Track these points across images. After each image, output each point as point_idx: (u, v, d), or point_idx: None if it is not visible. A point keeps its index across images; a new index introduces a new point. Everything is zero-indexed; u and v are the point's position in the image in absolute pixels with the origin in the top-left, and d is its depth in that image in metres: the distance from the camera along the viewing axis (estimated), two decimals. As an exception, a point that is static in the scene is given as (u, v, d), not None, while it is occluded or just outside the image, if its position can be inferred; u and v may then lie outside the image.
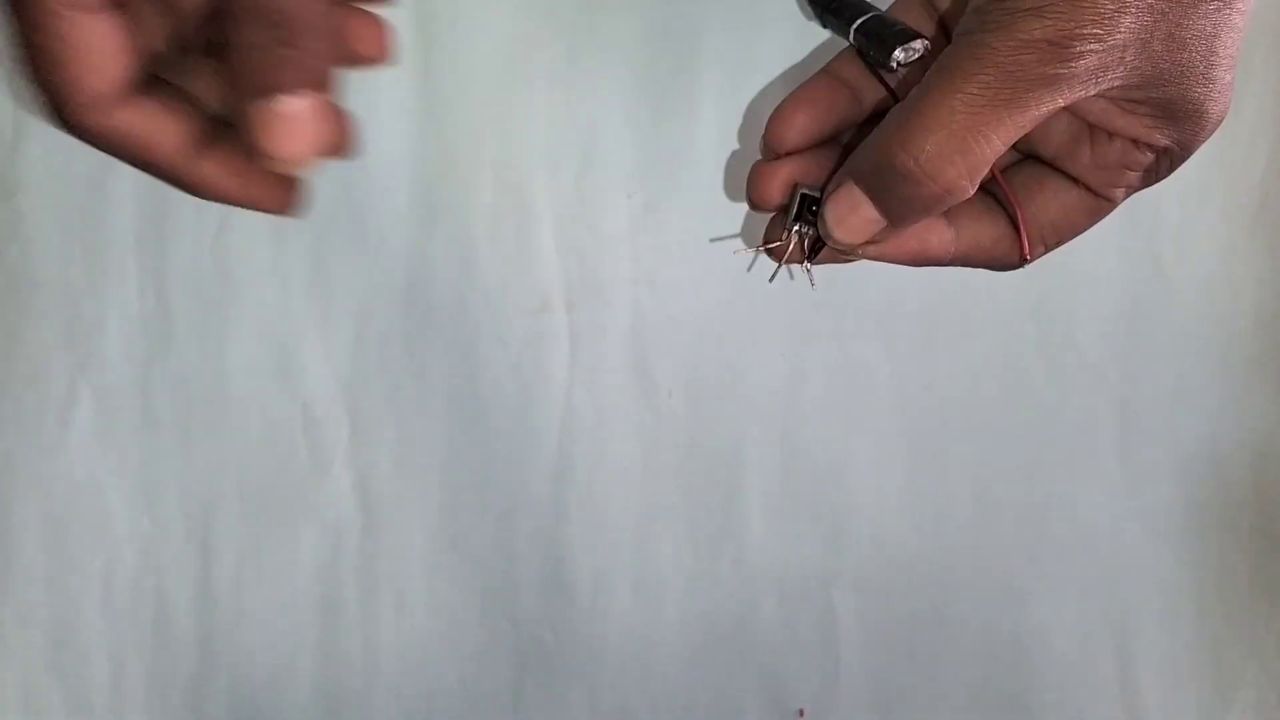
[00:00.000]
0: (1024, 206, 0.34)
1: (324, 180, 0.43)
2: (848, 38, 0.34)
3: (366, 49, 0.33)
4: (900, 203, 0.31)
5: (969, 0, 0.31)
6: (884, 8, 0.35)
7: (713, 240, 0.44)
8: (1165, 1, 0.28)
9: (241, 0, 0.26)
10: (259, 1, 0.26)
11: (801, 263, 0.35)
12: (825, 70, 0.36)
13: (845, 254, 0.34)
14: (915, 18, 0.35)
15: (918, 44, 0.32)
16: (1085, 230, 0.35)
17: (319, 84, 0.28)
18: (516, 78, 0.43)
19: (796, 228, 0.34)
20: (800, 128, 0.35)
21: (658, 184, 0.44)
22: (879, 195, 0.32)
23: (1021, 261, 0.35)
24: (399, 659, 0.45)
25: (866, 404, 0.45)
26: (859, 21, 0.33)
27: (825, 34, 0.42)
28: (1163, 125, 0.32)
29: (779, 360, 0.45)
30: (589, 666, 0.45)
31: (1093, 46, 0.28)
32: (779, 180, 0.35)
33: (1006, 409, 0.45)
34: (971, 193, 0.31)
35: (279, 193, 0.32)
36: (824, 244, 0.34)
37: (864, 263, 0.42)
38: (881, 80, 0.34)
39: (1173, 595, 0.46)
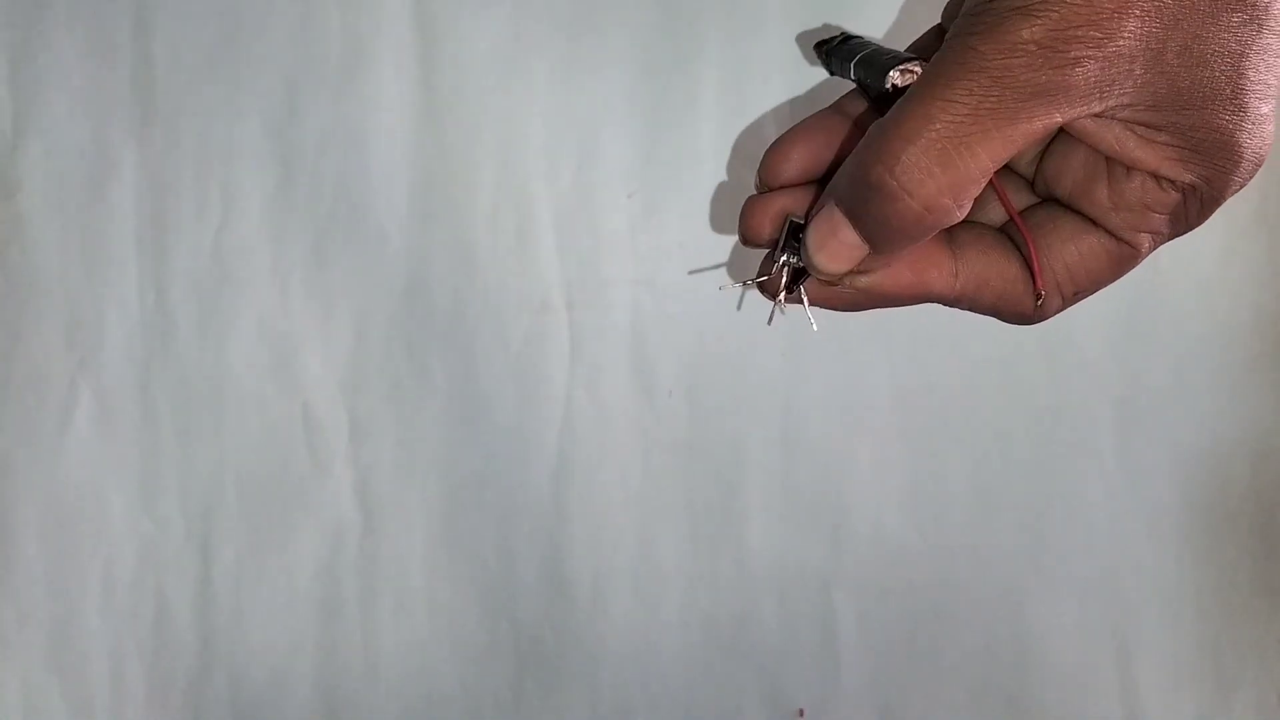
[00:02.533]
0: (1038, 248, 0.31)
1: (324, 181, 0.43)
2: (849, 76, 0.33)
3: None
4: (879, 224, 0.29)
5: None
6: (904, 46, 0.34)
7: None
8: (1178, 7, 0.25)
9: None
10: None
11: (800, 302, 0.32)
12: (831, 107, 0.34)
13: (833, 284, 0.31)
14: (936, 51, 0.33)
15: (915, 66, 0.30)
16: (1110, 282, 0.32)
17: None
18: (516, 78, 0.43)
19: (784, 259, 0.32)
20: (796, 161, 0.33)
21: (658, 184, 0.44)
22: (857, 216, 0.29)
23: (1035, 307, 0.32)
24: (399, 659, 0.45)
25: (866, 404, 0.45)
26: (858, 55, 0.32)
27: (824, 32, 0.42)
28: (1188, 158, 0.28)
29: (779, 360, 0.45)
30: (589, 667, 0.45)
31: (1090, 53, 0.26)
32: (771, 212, 0.33)
33: (1006, 409, 0.45)
34: (958, 215, 0.28)
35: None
36: (807, 275, 0.32)
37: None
38: (880, 111, 0.31)
39: (1172, 595, 0.46)
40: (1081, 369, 0.45)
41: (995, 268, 0.32)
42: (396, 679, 0.45)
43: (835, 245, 0.30)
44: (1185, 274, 0.45)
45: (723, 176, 0.43)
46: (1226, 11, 0.26)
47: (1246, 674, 0.46)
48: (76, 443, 0.44)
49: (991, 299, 0.32)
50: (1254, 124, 0.27)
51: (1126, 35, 0.26)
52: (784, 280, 0.32)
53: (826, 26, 0.43)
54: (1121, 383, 0.45)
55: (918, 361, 0.45)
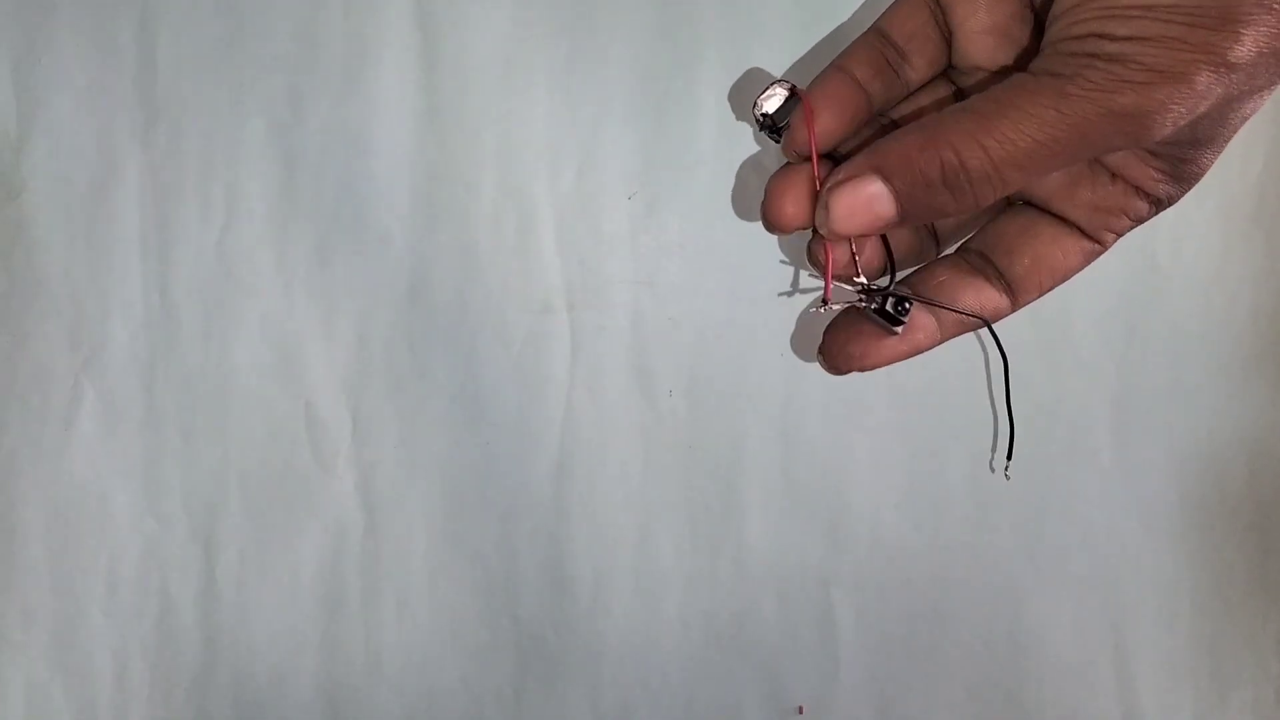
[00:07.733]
0: (1021, 254, 0.35)
1: (327, 181, 0.44)
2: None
3: None
4: (940, 203, 0.31)
5: (1049, 11, 0.30)
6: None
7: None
8: (1238, 92, 0.28)
9: None
10: None
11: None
12: (837, 68, 0.34)
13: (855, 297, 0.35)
14: (920, 22, 0.34)
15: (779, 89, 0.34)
16: (1076, 273, 0.35)
17: None
18: (517, 78, 0.43)
19: (867, 305, 0.35)
20: (828, 131, 0.33)
21: (658, 184, 0.44)
22: (916, 191, 0.31)
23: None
24: (401, 657, 0.45)
25: (865, 403, 0.45)
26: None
27: (824, 34, 0.43)
28: (1168, 180, 0.32)
29: (779, 360, 0.45)
30: (590, 665, 0.45)
31: (1167, 126, 0.28)
32: (803, 189, 0.34)
33: (1004, 408, 0.45)
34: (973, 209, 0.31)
35: None
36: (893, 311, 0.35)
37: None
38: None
39: (1169, 593, 0.46)
40: (1079, 368, 0.45)
41: (969, 302, 0.35)
42: (398, 676, 0.45)
43: (866, 215, 0.31)
44: (1183, 274, 0.45)
45: (723, 177, 0.44)
46: (1260, 95, 0.29)
47: (1243, 671, 0.46)
48: (81, 442, 0.44)
49: (973, 326, 0.36)
50: (1215, 159, 0.31)
51: (1199, 111, 0.28)
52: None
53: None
54: (1119, 382, 0.45)
55: (916, 361, 0.45)
